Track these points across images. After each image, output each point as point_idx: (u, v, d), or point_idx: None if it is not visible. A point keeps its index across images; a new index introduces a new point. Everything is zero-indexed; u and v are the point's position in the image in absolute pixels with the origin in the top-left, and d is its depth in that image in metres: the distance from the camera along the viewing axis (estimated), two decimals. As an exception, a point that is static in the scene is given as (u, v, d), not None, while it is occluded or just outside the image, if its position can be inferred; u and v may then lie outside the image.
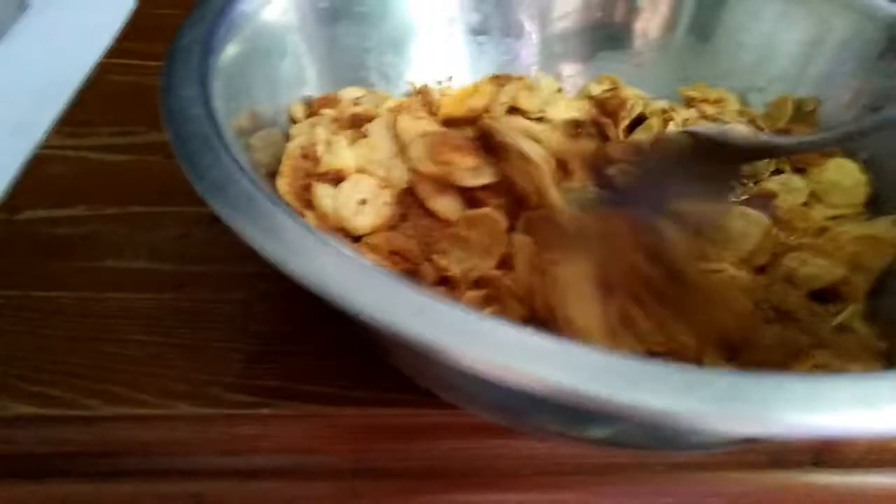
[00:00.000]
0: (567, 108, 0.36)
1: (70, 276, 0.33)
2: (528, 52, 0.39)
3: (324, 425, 0.28)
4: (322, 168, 0.29)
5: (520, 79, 0.37)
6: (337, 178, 0.29)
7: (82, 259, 0.34)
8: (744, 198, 0.33)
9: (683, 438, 0.26)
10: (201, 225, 0.35)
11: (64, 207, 0.36)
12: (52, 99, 0.42)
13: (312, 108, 0.33)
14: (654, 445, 0.27)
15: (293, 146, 0.30)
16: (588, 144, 0.33)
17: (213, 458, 0.28)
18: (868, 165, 0.33)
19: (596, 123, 0.35)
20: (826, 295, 0.29)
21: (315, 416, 0.28)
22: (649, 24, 0.39)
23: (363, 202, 0.28)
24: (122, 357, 0.30)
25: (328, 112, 0.32)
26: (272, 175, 0.29)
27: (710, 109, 0.38)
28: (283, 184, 0.28)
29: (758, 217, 0.31)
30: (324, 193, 0.28)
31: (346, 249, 0.19)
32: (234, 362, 0.30)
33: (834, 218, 0.32)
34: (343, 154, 0.29)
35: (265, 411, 0.28)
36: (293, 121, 0.33)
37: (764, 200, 0.33)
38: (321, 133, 0.30)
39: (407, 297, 0.18)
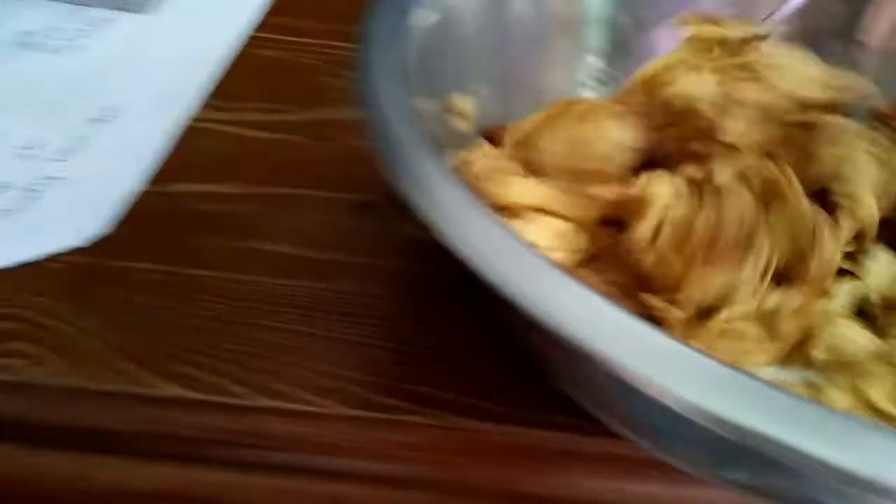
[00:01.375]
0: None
1: (214, 253, 0.32)
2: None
3: (474, 440, 0.27)
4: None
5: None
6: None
7: (227, 238, 0.33)
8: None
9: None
10: (347, 212, 0.34)
11: (211, 183, 0.36)
12: (204, 70, 0.42)
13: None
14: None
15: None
16: None
17: (358, 461, 0.27)
18: None
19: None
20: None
21: (466, 431, 0.27)
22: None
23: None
24: (269, 345, 0.29)
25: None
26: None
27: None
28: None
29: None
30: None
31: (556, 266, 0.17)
32: (385, 362, 0.28)
33: None
34: (516, 188, 0.26)
35: (415, 419, 0.27)
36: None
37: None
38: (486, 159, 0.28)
39: (613, 318, 0.16)
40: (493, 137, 0.31)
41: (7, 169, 0.34)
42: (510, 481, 0.27)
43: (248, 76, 0.42)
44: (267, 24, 0.47)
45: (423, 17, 0.26)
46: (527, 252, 0.17)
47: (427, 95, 0.24)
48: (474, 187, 0.25)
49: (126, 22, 0.46)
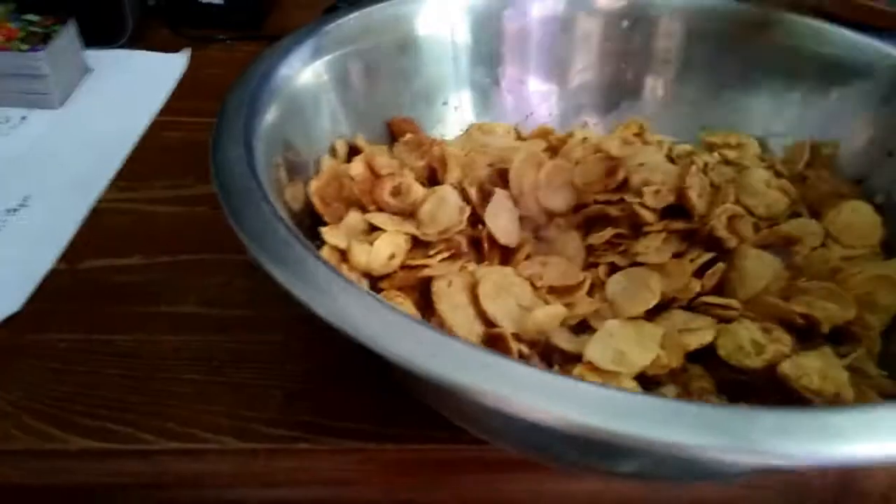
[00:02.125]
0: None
1: (126, 320, 0.36)
2: (551, 104, 0.42)
3: (359, 459, 0.30)
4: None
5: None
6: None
7: (133, 305, 0.36)
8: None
9: (702, 470, 0.27)
10: (244, 271, 0.38)
11: (120, 257, 0.39)
12: (111, 155, 0.46)
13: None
14: (674, 477, 0.29)
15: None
16: None
17: (257, 490, 0.30)
18: (884, 209, 0.34)
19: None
20: (840, 336, 0.30)
21: (351, 451, 0.30)
22: (667, 73, 0.41)
23: (392, 256, 0.30)
24: (174, 394, 0.32)
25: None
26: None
27: (731, 154, 0.39)
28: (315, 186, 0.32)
29: (771, 260, 0.32)
30: (359, 251, 0.30)
31: (374, 295, 0.22)
32: (274, 399, 0.32)
33: (849, 259, 0.33)
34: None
35: (303, 445, 0.30)
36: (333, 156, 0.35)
37: (785, 248, 0.34)
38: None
39: (432, 340, 0.20)
40: (394, 129, 0.36)
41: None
42: (397, 493, 0.31)
43: (152, 157, 0.46)
44: (170, 108, 0.51)
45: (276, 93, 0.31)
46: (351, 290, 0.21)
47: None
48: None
49: (39, 117, 0.50)
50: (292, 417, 0.31)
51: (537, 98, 0.41)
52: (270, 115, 0.29)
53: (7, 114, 0.50)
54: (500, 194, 0.32)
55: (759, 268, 0.32)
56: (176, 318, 0.36)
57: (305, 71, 0.34)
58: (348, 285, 0.21)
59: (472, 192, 0.32)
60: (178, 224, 0.41)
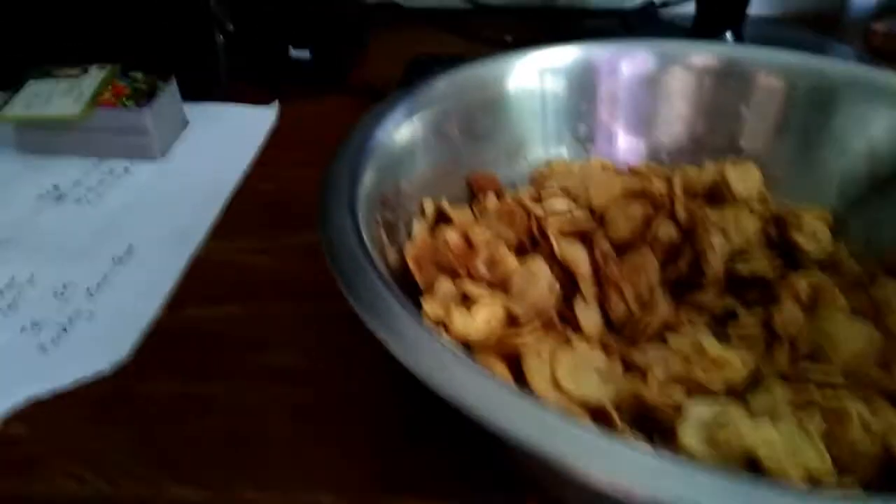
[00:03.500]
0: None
1: (225, 368, 0.37)
2: (635, 158, 0.42)
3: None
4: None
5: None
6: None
7: (236, 353, 0.38)
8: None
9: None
10: (338, 322, 0.39)
11: (220, 305, 0.41)
12: (209, 206, 0.48)
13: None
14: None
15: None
16: None
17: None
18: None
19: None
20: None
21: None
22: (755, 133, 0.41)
23: (489, 323, 0.31)
24: (272, 445, 0.33)
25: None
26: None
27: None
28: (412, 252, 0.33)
29: (861, 325, 0.31)
30: (460, 319, 0.31)
31: (482, 368, 0.22)
32: (372, 453, 0.32)
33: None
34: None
35: (388, 500, 0.31)
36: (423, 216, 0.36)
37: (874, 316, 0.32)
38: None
39: (537, 415, 0.20)
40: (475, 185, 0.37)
41: (42, 308, 0.40)
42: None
43: (248, 208, 0.48)
44: (263, 160, 0.53)
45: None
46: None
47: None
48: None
49: (141, 169, 0.52)
50: (390, 473, 0.31)
51: (626, 154, 0.41)
52: (368, 178, 0.30)
53: (111, 165, 0.53)
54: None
55: (851, 333, 0.30)
56: (272, 368, 0.37)
57: (399, 131, 0.35)
58: (465, 363, 0.21)
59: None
60: (273, 274, 0.42)
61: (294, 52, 0.65)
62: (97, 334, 0.38)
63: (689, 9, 0.74)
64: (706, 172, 0.38)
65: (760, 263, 0.33)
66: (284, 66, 0.65)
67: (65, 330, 0.39)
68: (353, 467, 0.32)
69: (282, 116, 0.60)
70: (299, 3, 0.63)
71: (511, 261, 0.34)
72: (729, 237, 0.34)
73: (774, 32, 0.76)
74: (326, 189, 0.29)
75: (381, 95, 0.37)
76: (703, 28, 0.72)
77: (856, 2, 0.89)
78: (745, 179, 0.37)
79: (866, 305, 0.31)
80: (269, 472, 0.32)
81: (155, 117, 0.53)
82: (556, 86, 0.40)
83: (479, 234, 0.35)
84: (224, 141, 0.56)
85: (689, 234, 0.35)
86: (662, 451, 0.27)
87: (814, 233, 0.35)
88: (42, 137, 0.53)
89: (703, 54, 0.41)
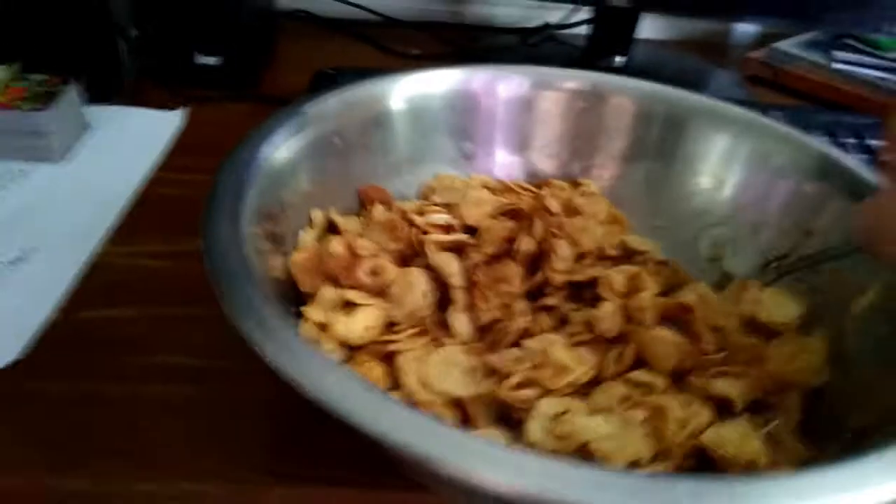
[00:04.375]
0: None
1: (118, 369, 0.39)
2: (514, 175, 0.46)
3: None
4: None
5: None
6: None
7: (129, 354, 0.39)
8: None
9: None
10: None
11: (113, 307, 0.42)
12: (108, 210, 0.49)
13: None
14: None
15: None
16: None
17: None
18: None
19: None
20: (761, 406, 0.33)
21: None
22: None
23: (367, 329, 0.34)
24: (164, 442, 0.35)
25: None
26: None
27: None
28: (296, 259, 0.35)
29: (673, 337, 0.35)
30: (339, 324, 0.34)
31: (350, 372, 0.25)
32: (259, 446, 0.35)
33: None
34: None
35: (279, 490, 0.33)
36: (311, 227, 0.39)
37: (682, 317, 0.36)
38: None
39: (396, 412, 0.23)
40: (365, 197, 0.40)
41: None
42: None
43: (148, 212, 0.50)
44: (166, 165, 0.55)
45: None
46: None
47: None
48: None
49: (39, 171, 0.53)
50: (280, 464, 0.34)
51: (503, 170, 0.45)
52: (254, 191, 0.33)
53: (7, 167, 0.53)
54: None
55: (663, 346, 0.34)
56: (165, 367, 0.39)
57: (284, 147, 0.37)
58: (329, 364, 0.24)
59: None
60: (169, 278, 0.44)
61: (201, 58, 0.66)
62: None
63: (583, 31, 0.80)
64: (565, 193, 0.42)
65: (595, 269, 0.37)
66: (191, 71, 0.66)
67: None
68: (243, 459, 0.34)
69: (188, 122, 0.61)
70: (207, 8, 0.64)
71: (391, 270, 0.37)
72: (579, 244, 0.38)
73: (661, 57, 0.82)
74: (211, 200, 0.31)
75: (287, 104, 0.39)
76: (595, 50, 0.77)
77: (738, 31, 0.96)
78: (594, 203, 0.41)
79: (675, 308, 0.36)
80: (158, 464, 0.34)
81: (54, 120, 0.53)
82: (441, 105, 0.44)
83: (363, 245, 0.38)
84: (126, 144, 0.57)
85: (544, 245, 0.39)
86: (511, 444, 0.30)
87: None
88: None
89: (571, 80, 0.45)
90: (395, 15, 0.88)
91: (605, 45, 0.77)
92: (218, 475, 0.34)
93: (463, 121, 0.44)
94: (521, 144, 0.46)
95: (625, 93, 0.45)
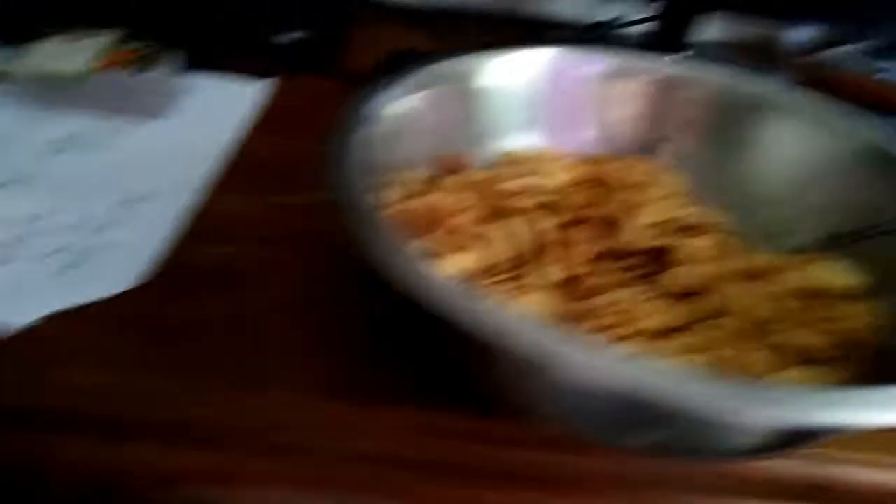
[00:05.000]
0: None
1: (221, 301, 0.43)
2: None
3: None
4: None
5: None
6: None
7: (231, 288, 0.43)
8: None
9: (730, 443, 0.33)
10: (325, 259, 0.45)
11: (215, 245, 0.46)
12: (206, 163, 0.53)
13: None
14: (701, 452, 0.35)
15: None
16: None
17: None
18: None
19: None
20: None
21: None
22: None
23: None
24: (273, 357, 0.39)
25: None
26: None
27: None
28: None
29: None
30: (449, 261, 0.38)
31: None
32: (355, 367, 0.39)
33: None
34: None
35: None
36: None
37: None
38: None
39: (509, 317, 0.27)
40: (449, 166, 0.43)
41: (63, 238, 0.45)
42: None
43: (243, 168, 0.54)
44: (256, 129, 0.59)
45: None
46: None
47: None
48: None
49: (143, 128, 0.57)
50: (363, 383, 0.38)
51: (579, 146, 0.49)
52: (365, 143, 0.37)
53: (115, 121, 0.57)
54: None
55: (752, 299, 0.38)
56: (271, 298, 0.43)
57: (392, 107, 0.41)
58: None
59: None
60: (264, 224, 0.48)
61: (284, 36, 0.70)
62: (111, 264, 0.43)
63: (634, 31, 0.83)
64: (639, 167, 0.46)
65: (671, 237, 0.40)
66: (274, 47, 0.70)
67: (80, 258, 0.43)
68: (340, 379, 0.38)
69: (274, 92, 0.65)
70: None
71: (481, 225, 0.40)
72: (653, 214, 0.42)
73: (714, 58, 0.85)
74: (332, 147, 0.35)
75: (363, 82, 0.43)
76: (653, 48, 0.80)
77: (791, 36, 0.98)
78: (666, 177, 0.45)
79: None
80: (271, 381, 0.38)
81: (152, 81, 0.58)
82: (523, 83, 0.47)
83: (451, 203, 0.41)
84: (218, 108, 0.61)
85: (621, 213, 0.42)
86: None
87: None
88: (50, 93, 0.57)
89: (651, 64, 0.48)
90: (451, 8, 0.91)
91: (659, 45, 0.80)
92: (327, 391, 0.37)
93: (545, 98, 0.48)
94: (599, 124, 0.49)
95: (701, 78, 0.48)
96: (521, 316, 0.27)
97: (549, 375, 0.27)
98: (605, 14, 0.89)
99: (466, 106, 0.46)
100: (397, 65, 0.48)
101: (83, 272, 0.43)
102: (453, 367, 0.36)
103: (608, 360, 0.25)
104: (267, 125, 0.60)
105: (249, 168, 0.54)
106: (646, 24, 0.82)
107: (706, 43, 0.91)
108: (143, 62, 0.58)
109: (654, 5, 0.80)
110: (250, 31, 0.70)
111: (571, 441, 0.36)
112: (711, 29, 0.94)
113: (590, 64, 0.48)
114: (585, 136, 0.48)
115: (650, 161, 0.47)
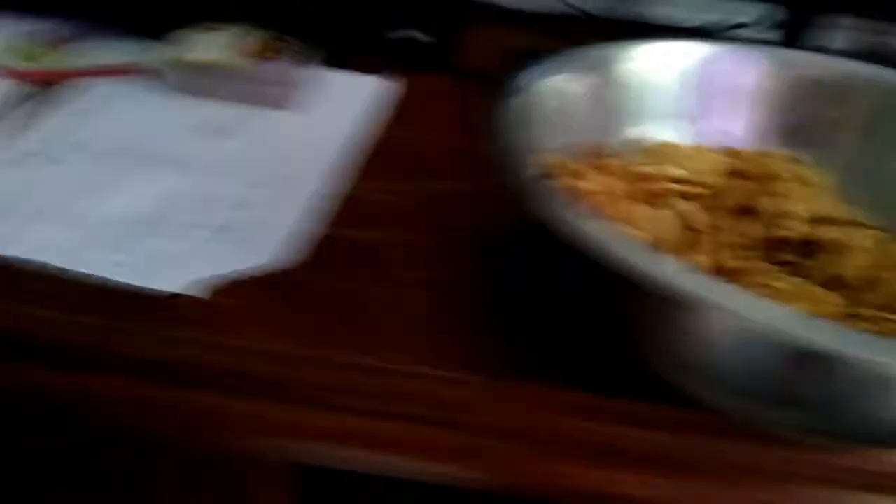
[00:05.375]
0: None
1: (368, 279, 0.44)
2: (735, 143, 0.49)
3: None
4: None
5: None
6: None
7: (372, 264, 0.45)
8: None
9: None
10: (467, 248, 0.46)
11: (356, 229, 0.48)
12: (338, 152, 0.55)
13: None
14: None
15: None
16: None
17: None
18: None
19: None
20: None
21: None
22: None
23: None
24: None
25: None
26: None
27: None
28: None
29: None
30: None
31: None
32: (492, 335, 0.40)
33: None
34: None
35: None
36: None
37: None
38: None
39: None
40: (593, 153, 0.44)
41: (207, 214, 0.48)
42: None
43: (380, 155, 0.55)
44: (385, 121, 0.60)
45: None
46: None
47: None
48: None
49: (279, 114, 0.60)
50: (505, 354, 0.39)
51: (728, 139, 0.49)
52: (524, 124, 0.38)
53: (249, 111, 0.60)
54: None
55: None
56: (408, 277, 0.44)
57: (547, 88, 0.43)
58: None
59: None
60: (408, 208, 0.50)
61: (405, 32, 0.71)
62: (254, 238, 0.46)
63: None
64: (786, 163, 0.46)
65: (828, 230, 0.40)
66: (395, 43, 0.72)
67: (222, 232, 0.46)
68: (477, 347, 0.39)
69: (398, 87, 0.66)
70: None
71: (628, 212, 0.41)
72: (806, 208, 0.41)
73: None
74: (496, 124, 0.36)
75: (485, 79, 0.44)
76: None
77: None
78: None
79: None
80: (412, 350, 0.39)
81: (288, 72, 0.60)
82: (673, 74, 0.48)
83: (598, 187, 0.42)
84: (347, 100, 0.63)
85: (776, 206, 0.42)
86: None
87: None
88: (195, 81, 0.60)
89: (803, 62, 0.49)
90: (556, 10, 0.92)
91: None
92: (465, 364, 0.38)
93: (694, 90, 0.48)
94: (747, 118, 0.49)
95: (854, 78, 0.48)
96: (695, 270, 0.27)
97: (717, 327, 0.27)
98: (708, 17, 0.88)
99: (614, 93, 0.46)
100: (519, 63, 0.49)
101: (227, 245, 0.45)
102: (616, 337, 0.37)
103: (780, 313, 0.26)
104: (397, 118, 0.61)
105: (385, 157, 0.55)
106: (755, 27, 0.81)
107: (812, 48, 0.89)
108: (283, 53, 0.60)
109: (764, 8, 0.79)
110: (364, 26, 0.72)
111: (715, 424, 0.36)
112: (827, 34, 0.92)
113: (741, 58, 0.48)
114: (733, 130, 0.48)
115: (798, 157, 0.47)
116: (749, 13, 0.85)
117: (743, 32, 0.86)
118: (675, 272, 0.27)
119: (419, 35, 0.72)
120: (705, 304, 0.27)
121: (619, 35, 0.88)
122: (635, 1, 0.95)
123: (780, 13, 0.79)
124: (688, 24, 0.91)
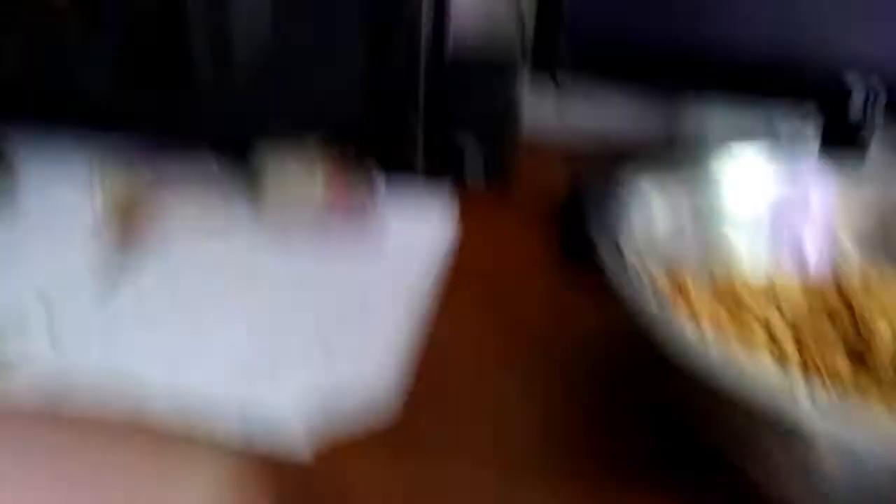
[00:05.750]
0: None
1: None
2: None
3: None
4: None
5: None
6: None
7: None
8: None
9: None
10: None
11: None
12: (419, 284, 0.58)
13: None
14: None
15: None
16: None
17: None
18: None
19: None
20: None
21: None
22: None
23: None
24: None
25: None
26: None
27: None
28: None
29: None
30: None
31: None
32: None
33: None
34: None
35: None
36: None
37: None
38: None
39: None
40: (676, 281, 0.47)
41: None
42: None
43: (456, 286, 0.58)
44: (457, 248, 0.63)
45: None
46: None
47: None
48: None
49: (358, 254, 0.62)
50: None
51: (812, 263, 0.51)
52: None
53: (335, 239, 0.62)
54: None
55: None
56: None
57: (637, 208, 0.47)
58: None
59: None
60: (494, 339, 0.53)
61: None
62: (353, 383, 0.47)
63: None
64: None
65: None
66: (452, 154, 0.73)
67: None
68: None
69: (463, 209, 0.68)
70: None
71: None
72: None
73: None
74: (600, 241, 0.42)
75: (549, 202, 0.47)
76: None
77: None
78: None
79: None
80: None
81: (371, 206, 0.64)
82: (757, 197, 0.52)
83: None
84: (420, 229, 0.65)
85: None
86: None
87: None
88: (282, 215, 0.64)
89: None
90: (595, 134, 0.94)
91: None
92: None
93: (780, 216, 0.52)
94: (830, 239, 0.52)
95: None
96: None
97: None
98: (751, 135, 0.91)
99: (700, 219, 0.50)
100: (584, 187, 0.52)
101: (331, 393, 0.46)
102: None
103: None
104: (468, 244, 0.63)
105: (466, 286, 0.58)
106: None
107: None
108: (359, 184, 0.64)
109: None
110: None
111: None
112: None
113: (825, 178, 0.52)
114: (821, 250, 0.51)
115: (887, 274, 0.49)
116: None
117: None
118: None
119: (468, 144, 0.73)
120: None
121: (665, 155, 0.91)
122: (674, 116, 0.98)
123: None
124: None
